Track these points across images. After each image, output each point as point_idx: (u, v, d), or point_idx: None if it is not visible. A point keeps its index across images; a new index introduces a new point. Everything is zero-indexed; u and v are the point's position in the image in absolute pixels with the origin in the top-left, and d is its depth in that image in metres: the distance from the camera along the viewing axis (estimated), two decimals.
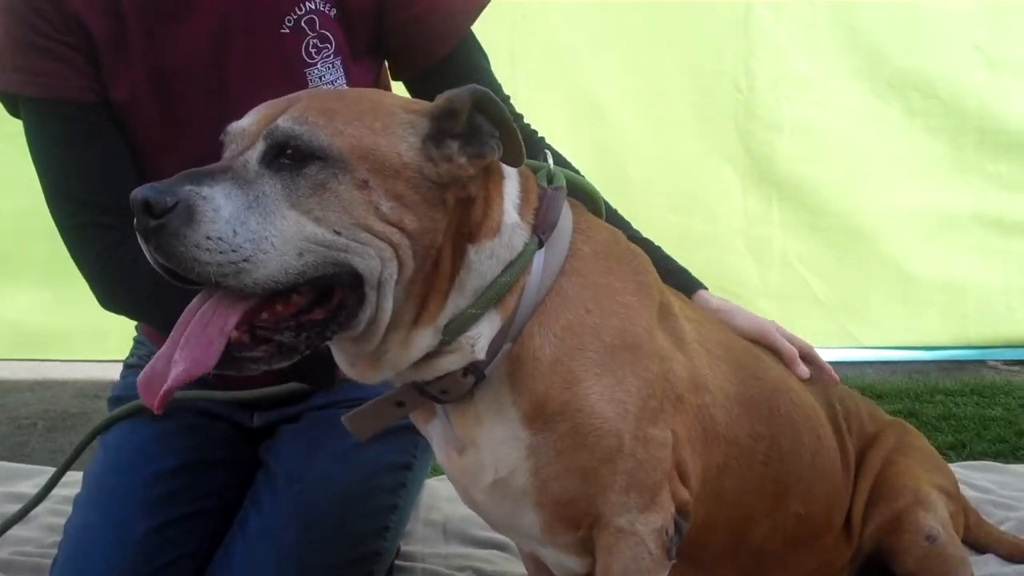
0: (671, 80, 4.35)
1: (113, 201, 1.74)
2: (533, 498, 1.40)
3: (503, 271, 1.32)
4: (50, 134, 1.79)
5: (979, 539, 2.17)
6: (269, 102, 1.30)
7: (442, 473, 2.19)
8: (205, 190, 1.17)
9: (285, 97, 1.30)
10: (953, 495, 1.94)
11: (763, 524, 1.65)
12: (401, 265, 1.24)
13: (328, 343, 1.31)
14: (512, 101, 1.86)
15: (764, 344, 1.73)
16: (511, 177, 1.37)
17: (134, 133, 1.82)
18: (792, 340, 1.76)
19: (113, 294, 1.84)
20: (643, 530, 1.40)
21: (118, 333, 2.32)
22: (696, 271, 1.83)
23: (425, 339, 1.30)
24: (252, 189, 1.19)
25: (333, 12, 1.80)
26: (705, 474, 1.51)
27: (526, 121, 1.89)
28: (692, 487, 1.47)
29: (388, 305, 1.26)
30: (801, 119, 4.34)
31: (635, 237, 1.69)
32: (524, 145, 1.31)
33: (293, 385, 1.94)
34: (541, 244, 1.35)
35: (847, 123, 4.36)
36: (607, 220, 1.60)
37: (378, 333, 1.28)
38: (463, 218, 1.29)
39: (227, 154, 1.27)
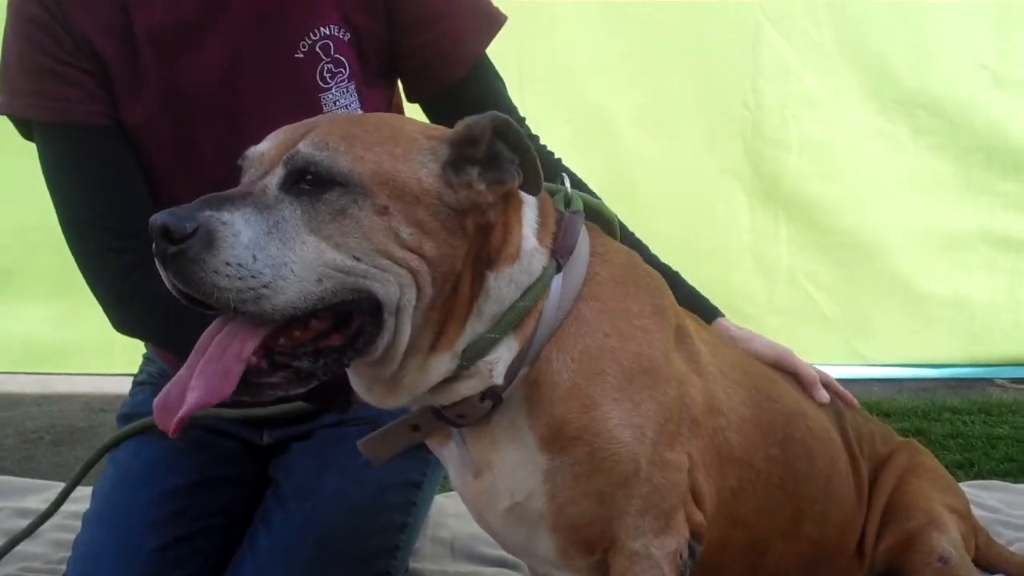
0: (679, 98, 4.34)
1: (127, 225, 1.74)
2: (549, 522, 1.40)
3: (521, 295, 1.31)
4: (63, 158, 1.78)
5: (989, 559, 2.15)
6: (287, 127, 1.29)
7: (450, 489, 2.18)
8: (225, 215, 1.16)
9: (303, 122, 1.29)
10: (965, 516, 1.94)
11: (777, 547, 1.65)
12: (420, 291, 1.24)
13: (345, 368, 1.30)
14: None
15: (783, 367, 1.73)
16: (529, 202, 1.36)
17: (147, 157, 1.81)
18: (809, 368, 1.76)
19: (127, 319, 1.82)
20: (658, 554, 1.40)
21: (125, 347, 2.30)
22: (703, 287, 1.83)
23: (443, 364, 1.30)
24: (272, 214, 1.18)
25: (347, 37, 1.78)
26: (720, 497, 1.51)
27: (542, 142, 1.88)
28: (706, 510, 1.47)
29: (406, 331, 1.25)
30: (809, 137, 4.33)
31: (652, 261, 1.69)
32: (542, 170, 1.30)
33: (303, 403, 1.94)
34: (559, 268, 1.34)
35: (855, 141, 4.35)
36: (623, 242, 1.59)
37: (396, 358, 1.28)
38: (482, 244, 1.29)
39: (246, 179, 1.26)
